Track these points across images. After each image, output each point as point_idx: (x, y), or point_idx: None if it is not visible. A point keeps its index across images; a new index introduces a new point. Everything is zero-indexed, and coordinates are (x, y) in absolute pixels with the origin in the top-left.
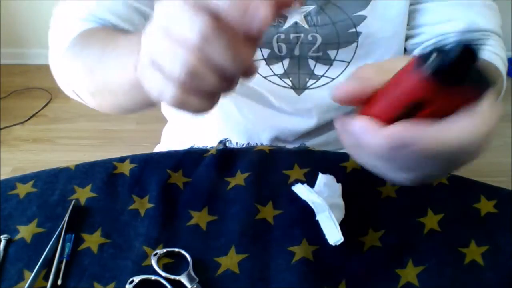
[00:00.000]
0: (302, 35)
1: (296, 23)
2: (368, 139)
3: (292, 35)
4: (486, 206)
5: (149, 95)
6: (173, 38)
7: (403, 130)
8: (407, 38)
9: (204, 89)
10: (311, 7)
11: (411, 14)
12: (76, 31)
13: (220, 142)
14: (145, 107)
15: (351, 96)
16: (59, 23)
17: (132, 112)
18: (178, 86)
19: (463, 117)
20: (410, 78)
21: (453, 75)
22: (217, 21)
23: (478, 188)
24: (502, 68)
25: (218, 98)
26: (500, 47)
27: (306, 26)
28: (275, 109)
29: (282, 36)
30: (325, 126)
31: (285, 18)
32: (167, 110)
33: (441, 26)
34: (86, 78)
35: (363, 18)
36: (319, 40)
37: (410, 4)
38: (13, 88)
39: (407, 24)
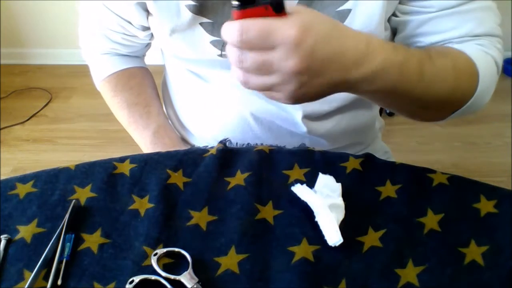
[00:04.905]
0: None
1: None
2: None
3: None
4: (486, 206)
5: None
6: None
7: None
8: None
9: None
10: None
11: (406, 24)
12: (107, 66)
13: (220, 142)
14: None
15: None
16: (86, 42)
17: None
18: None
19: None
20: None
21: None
22: None
23: (478, 188)
24: (484, 65)
25: None
26: (494, 47)
27: None
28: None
29: None
30: (311, 115)
31: None
32: (168, 110)
33: (437, 36)
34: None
35: (348, 12)
36: None
37: (404, 13)
38: (13, 88)
39: (402, 32)
